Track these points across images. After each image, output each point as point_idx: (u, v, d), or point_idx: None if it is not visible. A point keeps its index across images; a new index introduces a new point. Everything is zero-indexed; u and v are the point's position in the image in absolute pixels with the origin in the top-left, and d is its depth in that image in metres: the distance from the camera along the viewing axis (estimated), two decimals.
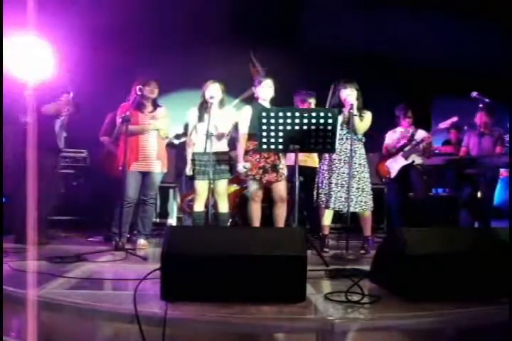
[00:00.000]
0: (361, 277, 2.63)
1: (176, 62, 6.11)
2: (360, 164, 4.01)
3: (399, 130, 5.18)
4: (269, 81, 4.09)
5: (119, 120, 4.03)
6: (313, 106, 4.84)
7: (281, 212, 4.11)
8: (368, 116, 4.07)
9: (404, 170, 4.98)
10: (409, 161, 4.97)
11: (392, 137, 5.17)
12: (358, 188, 3.95)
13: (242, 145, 4.08)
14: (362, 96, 4.06)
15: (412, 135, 5.04)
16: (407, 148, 4.99)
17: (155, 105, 4.27)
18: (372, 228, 4.15)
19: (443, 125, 4.93)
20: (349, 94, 3.95)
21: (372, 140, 4.81)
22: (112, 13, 5.28)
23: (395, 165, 5.03)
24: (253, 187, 4.08)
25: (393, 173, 5.03)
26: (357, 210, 3.96)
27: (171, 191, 5.60)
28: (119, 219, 3.87)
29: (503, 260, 2.36)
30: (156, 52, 6.05)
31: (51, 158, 4.18)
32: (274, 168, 4.05)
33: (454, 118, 4.85)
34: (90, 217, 5.36)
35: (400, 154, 5.01)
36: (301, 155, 4.40)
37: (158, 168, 4.19)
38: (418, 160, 5.02)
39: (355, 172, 3.95)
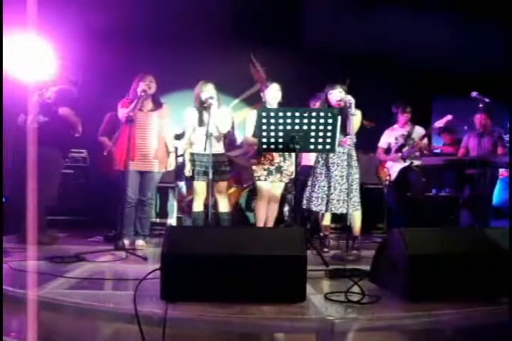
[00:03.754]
0: (361, 277, 2.64)
1: (176, 62, 6.11)
2: (351, 166, 3.99)
3: (396, 129, 5.09)
4: (276, 84, 4.14)
5: (122, 117, 3.98)
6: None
7: (272, 212, 4.18)
8: (358, 115, 3.98)
9: (403, 171, 4.93)
10: (408, 163, 4.91)
11: (387, 137, 5.08)
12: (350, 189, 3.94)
13: (252, 147, 4.14)
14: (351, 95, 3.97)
15: (409, 134, 4.94)
16: (405, 149, 4.93)
17: (155, 102, 4.16)
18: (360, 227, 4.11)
19: (438, 124, 4.86)
20: (341, 92, 3.91)
21: (372, 140, 4.79)
22: (112, 13, 5.28)
23: (394, 167, 4.98)
24: (259, 188, 4.11)
25: (393, 175, 4.98)
26: (351, 211, 3.93)
27: (171, 191, 5.59)
28: (121, 219, 3.87)
29: (502, 260, 2.36)
30: (156, 52, 6.04)
31: (58, 157, 4.18)
32: (279, 170, 4.07)
33: (449, 117, 4.77)
34: (90, 217, 5.37)
35: (399, 155, 4.95)
36: (311, 155, 4.41)
37: (157, 167, 4.16)
38: (416, 161, 4.97)
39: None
